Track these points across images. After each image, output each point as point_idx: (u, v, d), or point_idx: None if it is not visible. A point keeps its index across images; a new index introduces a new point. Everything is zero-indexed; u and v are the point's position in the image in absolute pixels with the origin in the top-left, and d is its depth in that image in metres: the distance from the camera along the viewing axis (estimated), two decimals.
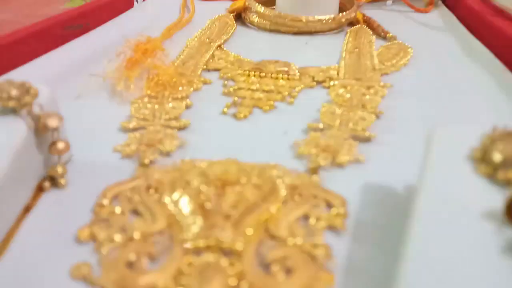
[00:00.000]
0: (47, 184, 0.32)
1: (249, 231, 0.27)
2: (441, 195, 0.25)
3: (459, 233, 0.23)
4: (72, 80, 0.50)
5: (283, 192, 0.31)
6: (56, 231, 0.29)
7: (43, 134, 0.32)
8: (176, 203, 0.29)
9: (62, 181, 0.33)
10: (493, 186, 0.25)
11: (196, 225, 0.27)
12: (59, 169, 0.32)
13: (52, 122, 0.31)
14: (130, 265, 0.26)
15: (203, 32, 0.66)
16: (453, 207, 0.24)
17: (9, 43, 0.49)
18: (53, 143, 0.32)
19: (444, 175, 0.26)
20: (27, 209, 0.31)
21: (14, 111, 0.31)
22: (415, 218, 0.24)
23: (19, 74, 0.48)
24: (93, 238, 0.28)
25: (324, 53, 0.62)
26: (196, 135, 0.41)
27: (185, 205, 0.29)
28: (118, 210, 0.30)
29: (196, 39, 0.63)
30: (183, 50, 0.59)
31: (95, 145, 0.38)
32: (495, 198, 0.25)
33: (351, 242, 0.29)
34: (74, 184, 0.33)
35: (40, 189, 0.32)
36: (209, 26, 0.68)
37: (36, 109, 0.32)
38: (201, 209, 0.28)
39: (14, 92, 0.31)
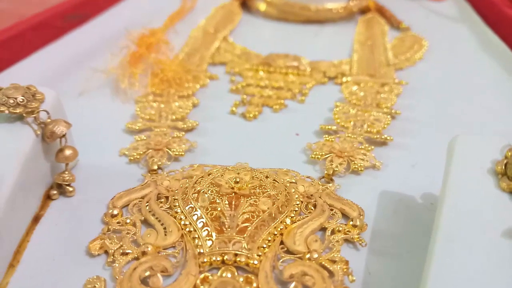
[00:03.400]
0: (55, 192, 0.32)
1: (265, 246, 0.27)
2: (462, 212, 0.24)
3: (481, 253, 0.22)
4: (73, 75, 0.48)
5: (298, 202, 0.30)
6: (67, 242, 0.28)
7: (50, 141, 0.30)
8: (188, 215, 0.28)
9: (70, 188, 0.32)
10: None
11: (211, 239, 0.27)
12: (67, 177, 0.32)
13: (60, 129, 0.30)
14: (145, 281, 0.25)
15: (207, 21, 0.64)
16: (474, 226, 0.23)
17: (9, 38, 0.48)
18: (61, 150, 0.31)
19: (466, 190, 0.25)
20: (36, 219, 0.30)
21: (20, 118, 0.30)
22: (437, 237, 0.23)
23: (19, 70, 0.47)
24: (105, 250, 0.27)
25: (335, 44, 0.60)
26: (204, 137, 0.39)
27: (199, 217, 0.28)
28: (129, 221, 0.29)
29: (200, 29, 0.61)
30: (187, 42, 0.57)
31: (101, 148, 0.37)
32: None
33: (368, 254, 0.28)
34: (82, 191, 0.32)
35: (48, 197, 0.32)
36: (213, 14, 0.66)
37: (42, 116, 0.30)
38: (215, 222, 0.27)
39: (20, 98, 0.30)
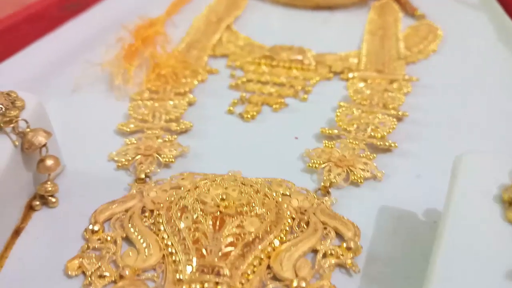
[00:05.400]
0: (37, 202, 0.30)
1: (250, 272, 0.25)
2: (462, 247, 0.22)
3: None
4: (68, 70, 0.46)
5: (289, 220, 0.28)
6: (47, 259, 0.27)
7: (30, 152, 0.29)
8: (171, 234, 0.27)
9: (53, 199, 0.31)
10: None
11: (191, 264, 0.25)
12: (49, 187, 0.30)
13: (39, 140, 0.29)
14: None
15: (211, 8, 0.60)
16: (475, 263, 0.21)
17: (3, 30, 0.46)
18: (41, 160, 0.30)
19: (467, 221, 0.23)
20: (17, 232, 0.29)
21: None
22: (432, 276, 0.21)
23: (11, 65, 0.46)
24: (83, 271, 0.26)
25: (344, 32, 0.57)
26: (198, 139, 0.38)
27: (181, 238, 0.26)
28: (109, 238, 0.27)
29: (203, 17, 0.58)
30: (189, 32, 0.54)
31: (91, 152, 0.36)
32: None
33: (362, 280, 0.26)
34: (66, 200, 0.31)
35: (30, 208, 0.31)
36: (218, 0, 0.63)
37: (22, 125, 0.29)
38: (197, 244, 0.26)
39: None
